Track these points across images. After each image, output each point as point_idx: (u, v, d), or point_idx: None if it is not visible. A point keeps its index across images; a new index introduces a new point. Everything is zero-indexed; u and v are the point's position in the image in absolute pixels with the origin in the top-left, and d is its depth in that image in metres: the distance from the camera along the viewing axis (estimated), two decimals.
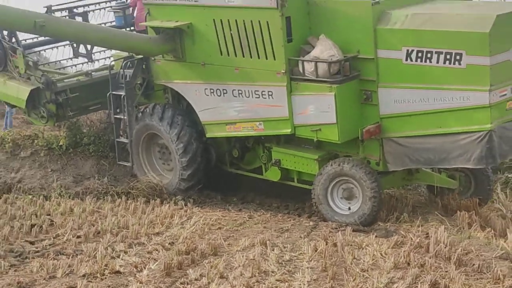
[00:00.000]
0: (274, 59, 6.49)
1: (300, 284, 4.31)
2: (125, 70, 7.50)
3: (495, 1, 6.48)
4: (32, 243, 5.59)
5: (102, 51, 9.12)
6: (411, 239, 5.34)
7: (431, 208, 6.90)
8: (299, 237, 5.99)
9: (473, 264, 4.54)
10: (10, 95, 7.87)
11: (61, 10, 8.45)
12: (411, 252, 4.90)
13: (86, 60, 9.07)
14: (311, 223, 6.78)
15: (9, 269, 4.79)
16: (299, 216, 7.31)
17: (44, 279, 4.51)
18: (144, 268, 4.77)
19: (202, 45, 7.11)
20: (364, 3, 6.13)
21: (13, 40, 7.94)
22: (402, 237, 5.61)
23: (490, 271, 4.34)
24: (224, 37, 6.86)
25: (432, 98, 5.85)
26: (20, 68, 7.68)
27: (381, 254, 5.03)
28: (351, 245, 5.48)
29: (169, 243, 5.81)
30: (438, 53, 5.72)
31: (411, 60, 5.91)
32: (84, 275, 4.51)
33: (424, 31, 5.89)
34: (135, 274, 4.62)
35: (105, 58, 9.22)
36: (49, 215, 6.62)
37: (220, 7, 6.77)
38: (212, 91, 7.07)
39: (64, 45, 8.92)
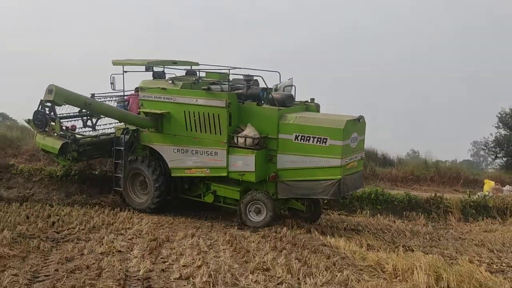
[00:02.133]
0: (220, 134, 10.84)
1: (226, 257, 7.81)
2: (124, 136, 11.67)
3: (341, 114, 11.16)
4: (57, 233, 8.76)
5: (102, 123, 13.67)
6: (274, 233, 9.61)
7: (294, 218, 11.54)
8: (214, 233, 9.95)
9: (308, 247, 8.71)
10: (48, 145, 11.55)
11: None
12: (276, 241, 9.08)
13: (91, 129, 13.43)
14: (222, 225, 10.91)
15: (51, 249, 7.83)
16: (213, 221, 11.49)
17: (78, 255, 7.59)
18: (133, 248, 8.20)
19: (175, 124, 11.41)
20: (273, 109, 10.73)
21: (51, 113, 11.72)
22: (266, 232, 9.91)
23: (318, 251, 8.59)
24: (190, 120, 11.20)
25: (308, 161, 10.28)
26: (57, 130, 11.45)
27: (259, 241, 9.10)
28: (245, 237, 9.49)
29: (139, 234, 9.32)
30: (314, 138, 10.18)
31: (298, 140, 10.35)
32: (101, 253, 7.77)
33: (306, 125, 10.42)
34: (130, 252, 8.02)
35: (103, 129, 13.57)
36: (58, 215, 9.89)
37: (190, 104, 11.03)
38: (178, 150, 11.33)
39: (77, 119, 13.12)
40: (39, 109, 11.44)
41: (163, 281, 6.31)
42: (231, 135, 10.83)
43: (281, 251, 8.33)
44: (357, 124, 10.60)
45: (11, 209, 10.51)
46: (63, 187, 12.85)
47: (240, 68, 11.32)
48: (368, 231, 11.52)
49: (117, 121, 12.74)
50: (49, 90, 10.34)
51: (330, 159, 10.07)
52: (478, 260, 8.81)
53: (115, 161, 11.95)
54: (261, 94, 11.18)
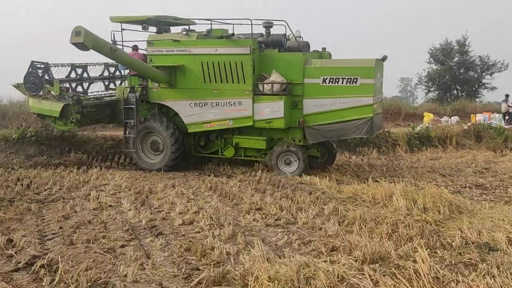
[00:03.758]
0: (244, 83, 10.68)
1: (216, 201, 8.19)
2: (134, 94, 11.26)
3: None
4: (37, 194, 8.64)
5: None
6: (251, 177, 10.11)
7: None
8: (193, 182, 10.27)
9: (287, 187, 9.28)
10: (45, 109, 11.07)
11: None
12: (255, 184, 9.61)
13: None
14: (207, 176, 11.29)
15: (41, 210, 7.77)
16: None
17: (72, 212, 7.52)
18: (122, 202, 8.33)
19: (191, 77, 11.10)
20: (298, 54, 10.65)
21: (45, 74, 11.28)
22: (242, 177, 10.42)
23: (299, 189, 9.18)
24: (208, 71, 10.92)
25: (338, 102, 10.33)
26: (55, 91, 10.98)
27: (239, 185, 9.59)
28: (223, 183, 9.89)
29: (119, 189, 9.42)
30: (343, 78, 10.24)
31: (326, 83, 10.37)
32: (94, 209, 7.82)
33: (334, 67, 10.50)
34: (121, 206, 8.16)
35: (95, 95, 13.36)
36: (28, 178, 9.61)
37: (208, 54, 10.79)
38: (195, 104, 11.13)
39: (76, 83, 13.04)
40: (31, 70, 10.78)
41: (169, 227, 6.60)
42: (257, 82, 10.71)
43: (264, 192, 8.85)
44: (380, 64, 10.77)
45: None
46: (21, 150, 12.45)
47: (248, 19, 10.72)
48: (331, 168, 12.33)
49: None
50: (77, 32, 9.42)
51: (362, 98, 10.17)
52: (435, 184, 9.86)
53: (124, 121, 11.50)
54: (283, 40, 10.99)
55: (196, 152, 12.11)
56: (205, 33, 11.10)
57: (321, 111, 10.51)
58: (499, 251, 4.97)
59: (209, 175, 10.95)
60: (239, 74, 10.69)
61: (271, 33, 11.11)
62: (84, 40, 9.35)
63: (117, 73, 14.71)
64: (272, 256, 4.96)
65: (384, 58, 10.84)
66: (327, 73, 10.36)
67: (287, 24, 10.78)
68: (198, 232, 6.34)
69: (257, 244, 5.30)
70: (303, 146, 11.00)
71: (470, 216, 6.73)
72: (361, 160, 13.96)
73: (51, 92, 11.11)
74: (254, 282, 4.01)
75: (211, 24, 11.11)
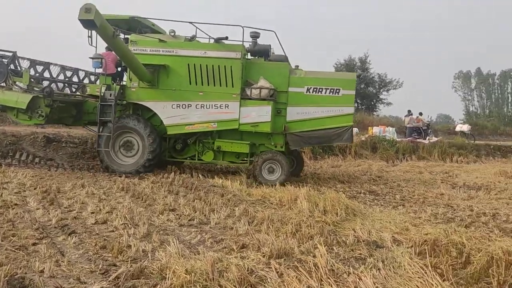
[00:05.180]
0: (232, 87, 10.90)
1: (129, 202, 8.25)
2: (112, 92, 11.14)
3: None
4: None
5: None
6: (163, 179, 10.32)
7: None
8: (103, 182, 10.21)
9: (200, 189, 9.66)
10: (9, 99, 10.47)
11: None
12: (168, 185, 9.83)
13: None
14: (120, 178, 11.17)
15: None
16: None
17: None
18: (28, 201, 8.05)
19: (175, 78, 11.10)
20: (285, 64, 11.27)
21: (12, 66, 10.87)
22: (155, 178, 10.55)
23: (211, 191, 9.56)
24: (195, 73, 11.01)
25: (320, 111, 11.04)
26: (24, 82, 10.52)
27: (152, 187, 9.76)
28: (135, 184, 10.03)
29: (23, 187, 9.08)
30: (326, 89, 11.05)
31: (310, 93, 11.09)
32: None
33: (318, 78, 11.24)
34: (27, 204, 7.88)
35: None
36: None
37: (196, 57, 10.91)
38: (178, 105, 11.11)
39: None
40: None
41: (82, 226, 6.61)
42: (245, 87, 11.00)
43: (177, 194, 9.11)
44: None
45: None
46: None
47: (240, 26, 10.99)
48: (236, 172, 12.86)
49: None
50: (87, 9, 8.80)
51: (344, 108, 11.07)
52: (335, 189, 10.81)
53: (100, 118, 11.13)
54: (269, 50, 11.39)
55: (169, 157, 12.01)
56: (191, 38, 11.28)
57: (304, 119, 11.23)
58: (384, 248, 5.75)
59: (120, 176, 10.94)
60: (228, 77, 11.00)
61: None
62: (94, 17, 8.92)
63: (74, 78, 14.10)
64: (187, 253, 5.28)
65: (359, 75, 12.17)
66: (311, 83, 11.20)
67: (276, 34, 11.13)
68: (112, 231, 6.43)
69: (172, 242, 5.58)
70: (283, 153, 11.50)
71: (363, 218, 7.59)
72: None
73: (17, 83, 10.58)
74: (171, 275, 4.31)
75: (196, 29, 11.34)
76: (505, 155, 21.87)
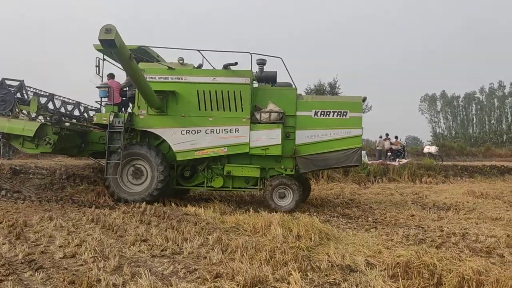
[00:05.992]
0: (242, 111, 11.06)
1: (99, 234, 8.05)
2: (116, 119, 11.29)
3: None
4: None
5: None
6: (135, 208, 10.14)
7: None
8: (72, 214, 9.97)
9: (172, 218, 9.53)
10: (16, 127, 10.30)
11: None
12: (139, 215, 9.67)
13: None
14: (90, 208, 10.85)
15: None
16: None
17: None
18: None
19: (184, 104, 11.18)
20: (292, 89, 11.45)
21: (18, 95, 10.73)
22: (126, 208, 10.37)
23: (184, 220, 9.44)
24: (204, 99, 11.13)
25: (329, 133, 11.24)
26: (32, 110, 10.40)
27: (123, 217, 9.58)
28: (105, 215, 9.83)
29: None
30: (334, 112, 11.26)
31: (318, 116, 11.30)
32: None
33: (326, 101, 11.60)
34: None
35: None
36: None
37: (205, 83, 11.04)
38: (187, 131, 11.07)
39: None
40: (1, 88, 9.85)
41: (50, 261, 6.39)
42: (254, 111, 11.12)
43: (149, 224, 8.95)
44: None
45: None
46: None
47: (248, 52, 11.20)
48: (209, 199, 12.77)
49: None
50: (107, 30, 8.78)
51: (352, 130, 11.22)
52: (308, 214, 10.84)
53: (108, 145, 11.04)
54: (275, 77, 11.55)
55: (177, 185, 11.86)
56: (198, 66, 11.58)
57: (313, 142, 11.37)
58: (358, 272, 5.78)
59: (90, 207, 10.70)
60: (237, 102, 11.13)
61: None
62: (115, 37, 8.90)
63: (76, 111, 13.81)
64: (159, 285, 5.17)
65: (364, 99, 11.99)
66: (318, 107, 11.39)
67: (282, 61, 11.27)
68: (82, 265, 6.24)
69: (144, 274, 5.46)
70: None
71: (336, 242, 7.61)
72: (243, 191, 14.64)
73: (24, 111, 10.45)
74: None
75: (203, 58, 11.57)
76: (472, 175, 22.47)
